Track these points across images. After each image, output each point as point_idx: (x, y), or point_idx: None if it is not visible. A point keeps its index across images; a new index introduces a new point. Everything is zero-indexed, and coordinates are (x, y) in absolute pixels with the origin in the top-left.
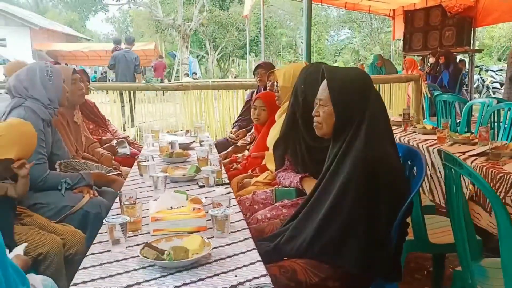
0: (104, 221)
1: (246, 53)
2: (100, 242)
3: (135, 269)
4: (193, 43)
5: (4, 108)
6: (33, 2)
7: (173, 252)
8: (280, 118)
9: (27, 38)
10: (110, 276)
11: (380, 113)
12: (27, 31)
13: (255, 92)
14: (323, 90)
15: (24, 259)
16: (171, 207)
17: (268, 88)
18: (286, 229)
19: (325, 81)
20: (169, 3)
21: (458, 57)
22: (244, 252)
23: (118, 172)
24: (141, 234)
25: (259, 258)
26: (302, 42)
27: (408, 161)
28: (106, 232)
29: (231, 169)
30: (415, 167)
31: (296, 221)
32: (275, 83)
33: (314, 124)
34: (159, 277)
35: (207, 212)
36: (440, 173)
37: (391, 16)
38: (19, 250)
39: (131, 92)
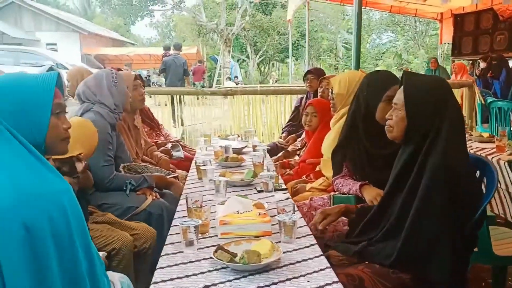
0: (178, 223)
1: (286, 57)
2: (172, 243)
3: (209, 271)
4: (234, 47)
5: (74, 112)
6: (82, 9)
7: (247, 256)
8: (335, 126)
9: (76, 42)
10: (187, 276)
11: (458, 123)
12: (76, 36)
13: (304, 97)
14: (399, 94)
15: (101, 254)
16: (238, 211)
17: (319, 94)
18: (359, 235)
19: (403, 86)
20: (211, 8)
21: (511, 63)
22: (312, 258)
23: (176, 175)
24: (209, 237)
25: (329, 265)
26: (342, 46)
27: (477, 171)
28: (176, 234)
29: (284, 175)
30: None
31: (381, 233)
32: (330, 90)
33: (386, 126)
34: (233, 279)
35: (272, 217)
36: (499, 183)
37: (438, 20)
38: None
39: (179, 96)
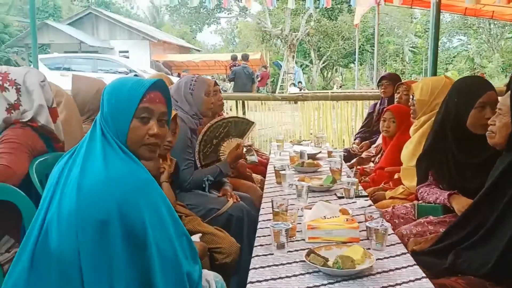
0: (269, 225)
1: (350, 62)
2: (261, 245)
3: (302, 274)
4: (298, 52)
5: None
6: (151, 18)
7: (341, 261)
8: (416, 134)
9: (146, 50)
10: (280, 278)
11: None
12: (146, 43)
13: (378, 103)
14: (505, 99)
15: (202, 244)
16: (325, 216)
17: (396, 100)
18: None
19: (509, 92)
20: (276, 14)
21: None
22: (405, 267)
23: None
24: (296, 240)
25: (424, 275)
26: (409, 50)
27: None
28: (264, 236)
29: (360, 182)
30: None
31: (472, 241)
32: (411, 96)
33: (487, 132)
34: (327, 284)
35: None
36: None
37: None
38: (196, 238)
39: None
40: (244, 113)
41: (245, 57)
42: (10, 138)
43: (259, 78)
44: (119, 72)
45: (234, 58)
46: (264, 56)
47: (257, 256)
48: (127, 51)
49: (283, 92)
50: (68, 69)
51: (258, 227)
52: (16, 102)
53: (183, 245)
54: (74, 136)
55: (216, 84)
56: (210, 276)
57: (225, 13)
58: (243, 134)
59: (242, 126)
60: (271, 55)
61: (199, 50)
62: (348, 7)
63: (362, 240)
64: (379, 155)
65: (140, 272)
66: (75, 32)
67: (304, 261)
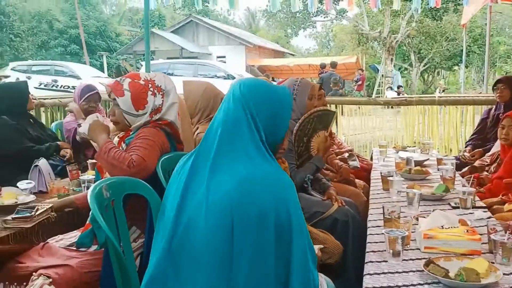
0: (383, 232)
1: (454, 65)
2: (374, 251)
3: (420, 284)
4: (396, 55)
5: None
6: (247, 23)
7: (465, 273)
8: None
9: (242, 55)
10: (398, 286)
11: None
12: (242, 48)
13: (493, 109)
14: None
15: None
16: (442, 226)
17: None
18: None
19: None
20: (373, 16)
21: None
22: None
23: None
24: (410, 249)
25: None
26: None
27: None
28: (375, 242)
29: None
30: None
31: None
32: None
33: None
34: None
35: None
36: None
37: None
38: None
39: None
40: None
41: (334, 65)
42: (146, 135)
43: (359, 82)
44: (217, 77)
45: (323, 66)
46: (360, 60)
47: (370, 262)
48: (224, 56)
49: (379, 97)
50: (171, 74)
51: (369, 233)
52: (160, 106)
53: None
54: (186, 137)
55: (321, 88)
56: (321, 278)
57: (321, 16)
58: (327, 125)
59: (325, 118)
60: (367, 58)
61: (293, 54)
62: (454, 7)
63: (483, 253)
64: (495, 164)
65: (282, 267)
66: (177, 39)
67: (422, 270)
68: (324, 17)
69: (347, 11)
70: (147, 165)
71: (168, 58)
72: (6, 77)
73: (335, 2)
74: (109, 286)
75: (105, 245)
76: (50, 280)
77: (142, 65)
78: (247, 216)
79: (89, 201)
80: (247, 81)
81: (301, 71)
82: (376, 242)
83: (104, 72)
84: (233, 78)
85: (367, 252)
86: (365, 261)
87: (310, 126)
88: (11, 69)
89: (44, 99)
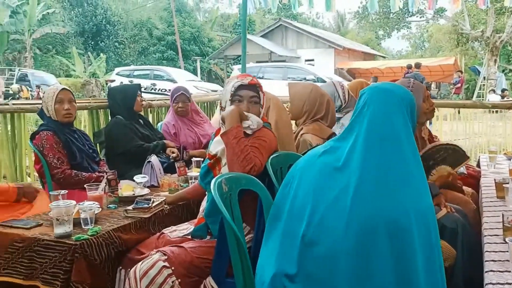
0: (507, 240)
1: None
2: (494, 261)
3: None
4: (500, 56)
5: None
6: (336, 26)
7: None
8: None
9: (331, 58)
10: None
11: None
12: (331, 51)
13: None
14: None
15: None
16: None
17: None
18: None
19: None
20: (475, 15)
21: None
22: None
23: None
24: None
25: None
26: None
27: None
28: (494, 251)
29: None
30: None
31: None
32: None
33: None
34: None
35: None
36: None
37: None
38: None
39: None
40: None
41: (418, 65)
42: (262, 136)
43: (458, 84)
44: (307, 80)
45: (409, 67)
46: (458, 61)
47: (491, 271)
48: (312, 59)
49: (480, 100)
50: (261, 78)
51: (485, 241)
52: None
53: None
54: (282, 137)
55: (427, 89)
56: None
57: (416, 16)
58: (456, 165)
59: (458, 157)
60: (466, 60)
61: (384, 57)
62: None
63: None
64: None
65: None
66: (266, 43)
67: None
68: (420, 17)
69: (445, 10)
70: (261, 169)
71: (257, 62)
72: (112, 81)
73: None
74: (219, 274)
75: (220, 238)
76: (166, 257)
77: (232, 69)
78: (393, 226)
79: (213, 193)
80: (384, 85)
81: (393, 73)
82: (496, 251)
83: (197, 76)
84: (323, 81)
85: (487, 261)
86: (485, 270)
87: (442, 154)
88: (116, 74)
89: (152, 100)
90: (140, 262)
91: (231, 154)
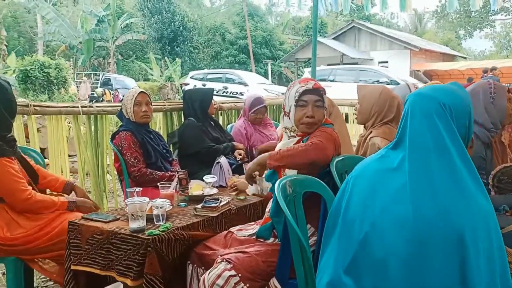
0: None
1: None
2: None
3: None
4: None
5: None
6: (412, 26)
7: None
8: None
9: (406, 59)
10: None
11: None
12: (407, 53)
13: None
14: None
15: None
16: None
17: None
18: None
19: None
20: None
21: None
22: None
23: None
24: None
25: None
26: None
27: None
28: None
29: None
30: None
31: None
32: None
33: None
34: None
35: None
36: None
37: None
38: None
39: None
40: None
41: (493, 69)
42: (321, 130)
43: None
44: (380, 82)
45: (485, 71)
46: None
47: None
48: (386, 61)
49: None
50: (332, 81)
51: None
52: None
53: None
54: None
55: (510, 90)
56: None
57: (501, 14)
58: None
59: None
60: None
61: (465, 58)
62: None
63: None
64: None
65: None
66: (338, 45)
67: None
68: (505, 15)
69: None
70: (326, 146)
71: (328, 65)
72: (186, 84)
73: None
74: (283, 277)
75: (284, 239)
76: (231, 265)
77: (303, 72)
78: (448, 238)
79: (276, 195)
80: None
81: (475, 75)
82: None
83: (268, 79)
84: (397, 83)
85: None
86: None
87: None
88: (190, 77)
89: (223, 103)
90: (208, 272)
91: (290, 160)
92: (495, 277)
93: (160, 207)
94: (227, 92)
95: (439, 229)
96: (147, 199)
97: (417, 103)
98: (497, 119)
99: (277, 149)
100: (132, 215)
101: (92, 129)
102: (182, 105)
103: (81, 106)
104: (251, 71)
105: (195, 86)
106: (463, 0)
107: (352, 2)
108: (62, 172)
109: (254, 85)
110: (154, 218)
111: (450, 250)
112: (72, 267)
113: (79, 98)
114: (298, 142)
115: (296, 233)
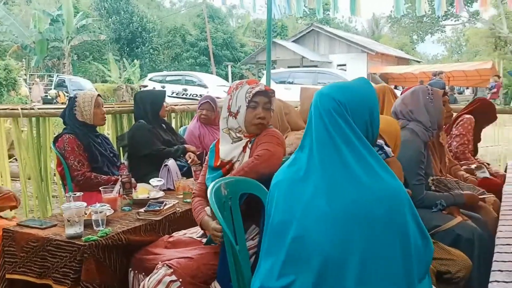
0: None
1: None
2: (501, 271)
3: None
4: None
5: None
6: (370, 30)
7: None
8: None
9: (363, 63)
10: None
11: None
12: (364, 56)
13: None
14: None
15: None
16: None
17: None
18: None
19: None
20: None
21: None
22: None
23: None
24: None
25: None
26: None
27: None
28: (502, 261)
29: None
30: None
31: None
32: None
33: None
34: None
35: None
36: None
37: None
38: None
39: None
40: None
41: (438, 73)
42: (271, 134)
43: (494, 90)
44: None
45: (434, 74)
46: (496, 65)
47: (496, 282)
48: (344, 64)
49: None
50: (291, 83)
51: (496, 251)
52: None
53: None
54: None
55: (445, 94)
56: None
57: (451, 20)
58: None
59: None
60: (505, 64)
61: (418, 61)
62: None
63: None
64: None
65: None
66: (298, 48)
67: None
68: (455, 21)
69: (480, 13)
70: (273, 154)
71: (288, 67)
72: (145, 86)
73: (468, 4)
74: (224, 280)
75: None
76: (172, 270)
77: (263, 74)
78: (376, 221)
79: (209, 197)
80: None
81: (427, 78)
82: (505, 261)
83: (228, 81)
84: None
85: (493, 270)
86: (490, 279)
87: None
88: (149, 79)
89: (175, 105)
90: (148, 278)
91: (250, 175)
92: (410, 250)
93: (100, 212)
94: (187, 94)
95: (356, 216)
96: (85, 204)
97: (318, 102)
98: (434, 119)
99: (221, 152)
100: (68, 220)
101: (35, 132)
102: (132, 107)
103: (21, 108)
104: (211, 73)
105: (154, 88)
106: (411, 6)
107: (305, 6)
108: (1, 176)
109: (214, 87)
110: (93, 223)
111: (368, 232)
112: (7, 276)
113: (31, 100)
114: (246, 144)
115: (228, 237)
